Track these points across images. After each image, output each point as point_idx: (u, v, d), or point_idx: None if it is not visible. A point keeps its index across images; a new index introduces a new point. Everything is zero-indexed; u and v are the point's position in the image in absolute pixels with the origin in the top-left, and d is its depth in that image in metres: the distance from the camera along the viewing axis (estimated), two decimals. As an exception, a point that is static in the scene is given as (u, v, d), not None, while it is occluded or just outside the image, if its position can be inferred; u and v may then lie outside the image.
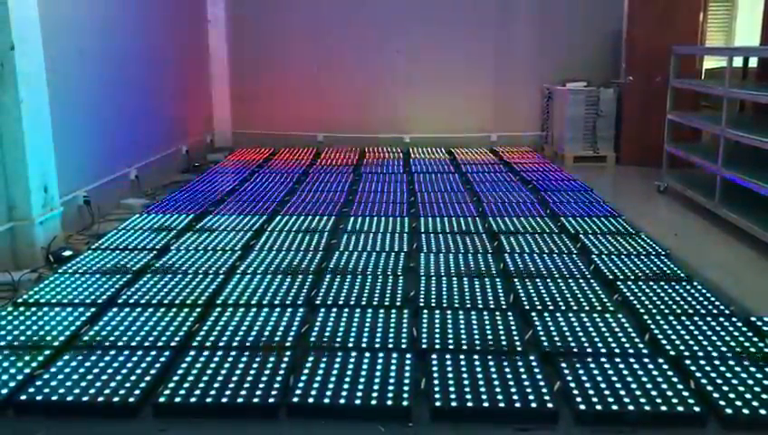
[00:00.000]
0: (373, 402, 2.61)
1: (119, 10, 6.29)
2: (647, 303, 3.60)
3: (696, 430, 2.52)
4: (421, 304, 3.57)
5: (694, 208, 5.98)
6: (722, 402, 2.60)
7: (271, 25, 9.06)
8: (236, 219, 5.29)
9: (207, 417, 2.59)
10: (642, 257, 4.37)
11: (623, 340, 3.14)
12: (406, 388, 2.69)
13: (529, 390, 2.67)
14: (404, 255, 4.40)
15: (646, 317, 3.40)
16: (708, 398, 2.65)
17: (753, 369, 2.85)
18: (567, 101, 8.23)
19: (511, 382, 2.73)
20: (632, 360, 2.93)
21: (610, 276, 4.02)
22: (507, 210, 5.55)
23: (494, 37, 9.02)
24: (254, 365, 2.86)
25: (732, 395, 2.65)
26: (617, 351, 3.04)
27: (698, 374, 2.81)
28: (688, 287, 3.81)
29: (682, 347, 3.08)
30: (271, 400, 2.62)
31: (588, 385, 2.72)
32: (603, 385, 2.71)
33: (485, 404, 2.59)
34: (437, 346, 3.08)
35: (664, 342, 3.13)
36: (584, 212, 5.50)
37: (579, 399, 2.62)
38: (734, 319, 3.39)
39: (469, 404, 2.59)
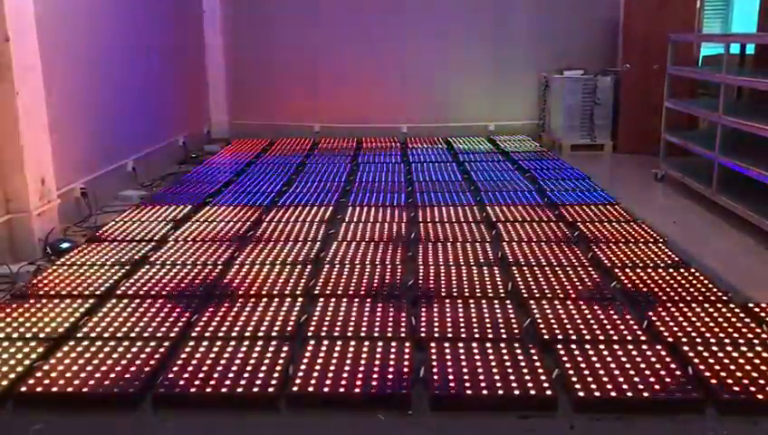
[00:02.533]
0: (373, 391, 2.62)
1: (114, 1, 6.25)
2: (644, 290, 3.61)
3: (694, 416, 2.53)
4: (419, 293, 3.57)
5: (691, 196, 5.99)
6: (720, 388, 2.62)
7: (267, 15, 9.02)
8: (234, 210, 5.28)
9: (207, 407, 2.60)
10: (640, 245, 4.38)
11: (621, 327, 3.15)
12: (405, 377, 2.70)
13: (528, 377, 2.68)
14: (402, 244, 4.40)
15: (643, 304, 3.41)
16: (706, 384, 2.66)
17: (750, 354, 2.86)
18: (564, 90, 8.21)
19: (510, 370, 2.74)
20: (630, 346, 2.94)
21: (608, 264, 4.03)
22: (505, 199, 5.55)
23: (492, 26, 8.98)
24: (254, 355, 2.87)
25: (729, 381, 2.66)
26: (615, 338, 3.05)
27: (696, 360, 2.82)
28: (686, 274, 3.82)
29: (680, 333, 3.09)
30: (270, 389, 2.63)
31: (586, 372, 2.73)
32: (602, 372, 2.73)
33: (484, 392, 2.60)
34: (436, 335, 3.08)
35: (662, 328, 3.14)
36: (582, 200, 5.50)
37: (577, 386, 2.63)
38: (731, 305, 3.40)
39: (468, 392, 2.61)
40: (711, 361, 2.82)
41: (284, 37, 9.02)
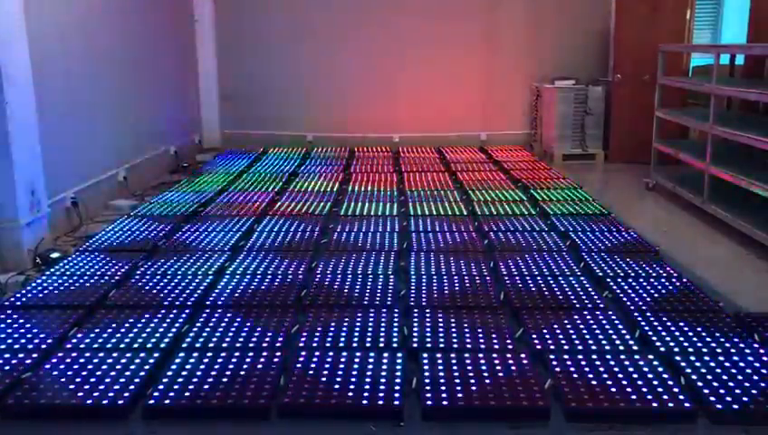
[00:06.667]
0: (364, 402, 2.60)
1: (105, 10, 6.24)
2: (636, 299, 3.61)
3: (686, 426, 2.52)
4: (412, 304, 3.56)
5: (682, 205, 6.01)
6: (712, 398, 2.61)
7: (259, 24, 9.02)
8: (225, 220, 5.26)
9: (198, 419, 2.58)
10: (631, 254, 4.38)
11: (613, 337, 3.15)
12: (397, 387, 2.69)
13: (520, 388, 2.67)
14: (394, 254, 4.39)
15: (636, 314, 3.41)
16: (698, 394, 2.66)
17: (742, 364, 2.87)
18: (556, 100, 8.25)
19: (502, 381, 2.73)
20: (623, 357, 2.93)
21: (600, 274, 4.03)
22: (497, 209, 5.55)
23: (483, 36, 9.01)
24: (245, 366, 2.85)
25: (722, 391, 2.66)
26: (607, 348, 3.05)
27: (688, 370, 2.82)
28: (677, 284, 3.83)
29: (672, 343, 3.09)
30: (262, 400, 2.61)
31: (578, 382, 2.72)
32: (594, 382, 2.72)
33: (477, 403, 2.59)
34: (428, 345, 3.07)
35: (654, 338, 3.14)
36: (573, 210, 5.51)
37: (569, 396, 2.63)
38: (723, 315, 3.41)
39: (460, 403, 2.59)
40: (703, 370, 2.82)
41: (277, 47, 9.02)
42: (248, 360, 2.91)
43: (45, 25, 5.01)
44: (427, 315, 3.38)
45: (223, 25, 9.13)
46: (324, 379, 2.75)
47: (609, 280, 3.91)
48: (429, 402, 2.60)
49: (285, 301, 3.61)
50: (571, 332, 3.20)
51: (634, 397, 2.62)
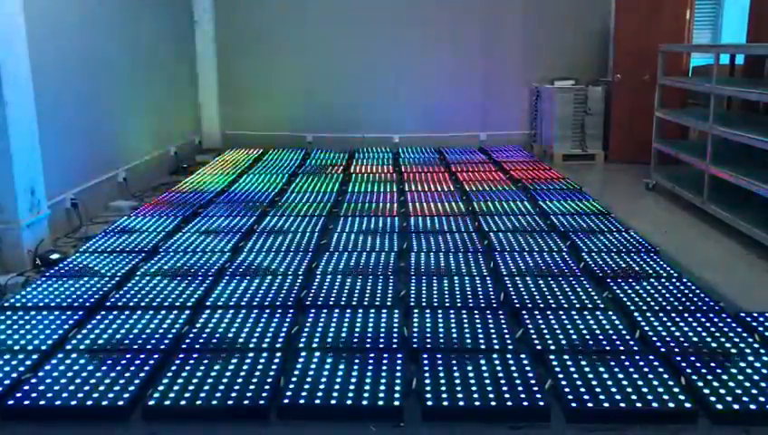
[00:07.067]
0: (364, 403, 2.60)
1: (104, 10, 6.24)
2: (636, 300, 3.61)
3: (686, 426, 2.52)
4: (412, 304, 3.56)
5: (682, 205, 6.01)
6: (712, 398, 2.61)
7: (259, 25, 9.02)
8: (225, 221, 5.26)
9: (197, 419, 2.57)
10: (632, 255, 4.38)
11: (614, 337, 3.15)
12: (397, 388, 2.68)
13: (520, 388, 2.67)
14: (394, 254, 4.39)
15: (636, 314, 3.41)
16: (699, 394, 2.65)
17: (743, 364, 2.86)
18: (555, 100, 8.24)
19: (502, 381, 2.73)
20: (623, 357, 2.93)
21: (600, 274, 4.03)
22: (497, 209, 5.55)
23: (483, 36, 9.01)
24: (245, 367, 2.85)
25: (722, 391, 2.66)
26: (607, 348, 3.04)
27: (689, 371, 2.82)
28: (678, 284, 3.83)
29: (672, 344, 3.08)
30: (261, 401, 2.61)
31: (579, 383, 2.72)
32: (594, 383, 2.72)
33: (477, 403, 2.59)
34: (429, 346, 3.07)
35: (654, 338, 3.14)
36: (573, 210, 5.50)
37: (570, 396, 2.63)
38: (723, 315, 3.40)
39: (461, 403, 2.59)
40: (703, 371, 2.81)
41: (277, 48, 9.02)
42: (248, 360, 2.90)
43: (45, 25, 5.01)
44: (427, 316, 3.38)
45: (223, 25, 9.13)
46: (324, 379, 2.75)
47: (609, 280, 3.91)
48: (430, 402, 2.60)
49: (285, 301, 3.61)
50: (571, 332, 3.20)
51: (634, 397, 2.62)
